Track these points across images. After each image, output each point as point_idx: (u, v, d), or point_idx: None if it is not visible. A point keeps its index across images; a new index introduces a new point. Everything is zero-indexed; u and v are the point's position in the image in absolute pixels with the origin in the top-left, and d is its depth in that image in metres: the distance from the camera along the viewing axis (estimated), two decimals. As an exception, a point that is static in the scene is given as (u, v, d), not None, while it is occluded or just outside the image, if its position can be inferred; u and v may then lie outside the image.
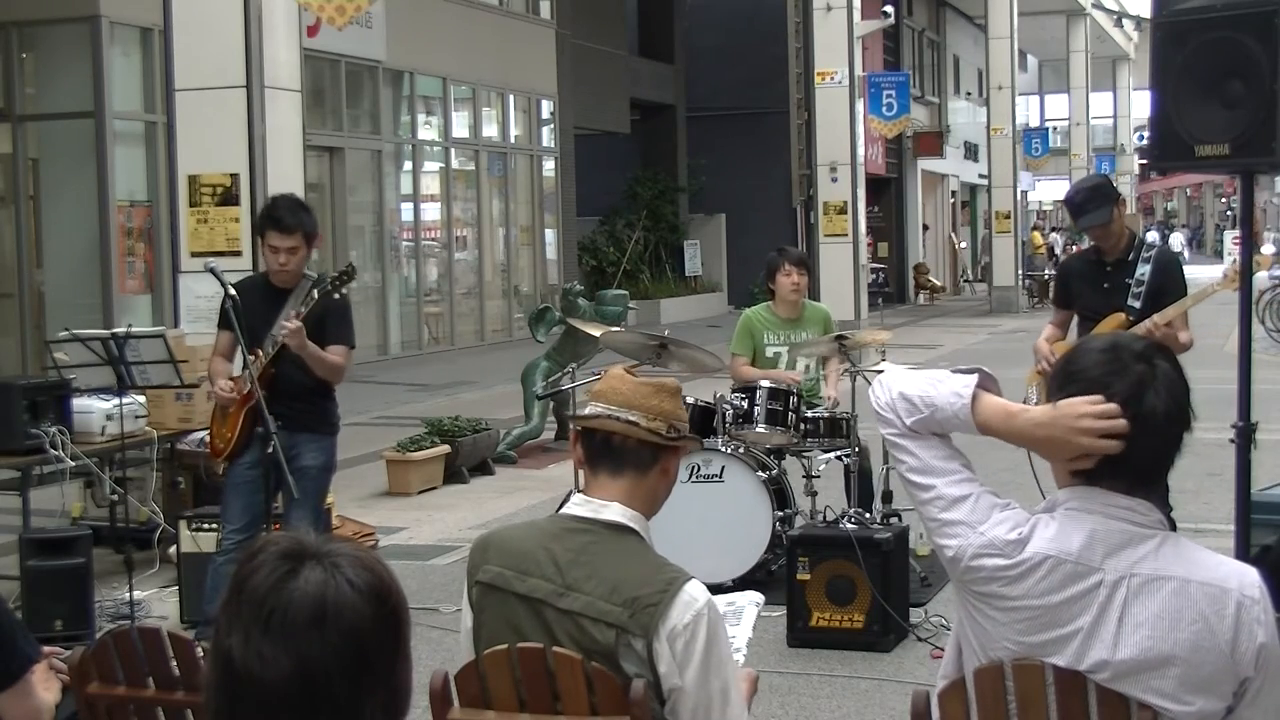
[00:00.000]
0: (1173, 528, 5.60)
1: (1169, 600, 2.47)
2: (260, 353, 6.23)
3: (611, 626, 2.88)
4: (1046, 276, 31.23)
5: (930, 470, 2.62)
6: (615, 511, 3.01)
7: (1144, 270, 6.64)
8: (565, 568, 2.95)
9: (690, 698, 2.86)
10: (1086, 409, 2.50)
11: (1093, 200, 6.74)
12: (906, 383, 2.66)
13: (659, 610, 2.86)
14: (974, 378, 2.62)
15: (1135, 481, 2.55)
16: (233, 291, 6.24)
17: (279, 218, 6.28)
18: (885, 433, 2.69)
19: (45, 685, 3.03)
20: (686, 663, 2.86)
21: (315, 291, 6.18)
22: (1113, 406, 2.49)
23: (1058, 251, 40.20)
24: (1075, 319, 6.96)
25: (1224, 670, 2.46)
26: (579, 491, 3.15)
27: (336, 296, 6.31)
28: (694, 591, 2.90)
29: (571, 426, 3.24)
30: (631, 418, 3.01)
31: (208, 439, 6.85)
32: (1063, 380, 2.58)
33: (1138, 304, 6.60)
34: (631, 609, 2.87)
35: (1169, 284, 6.62)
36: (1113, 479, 2.54)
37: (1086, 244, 7.12)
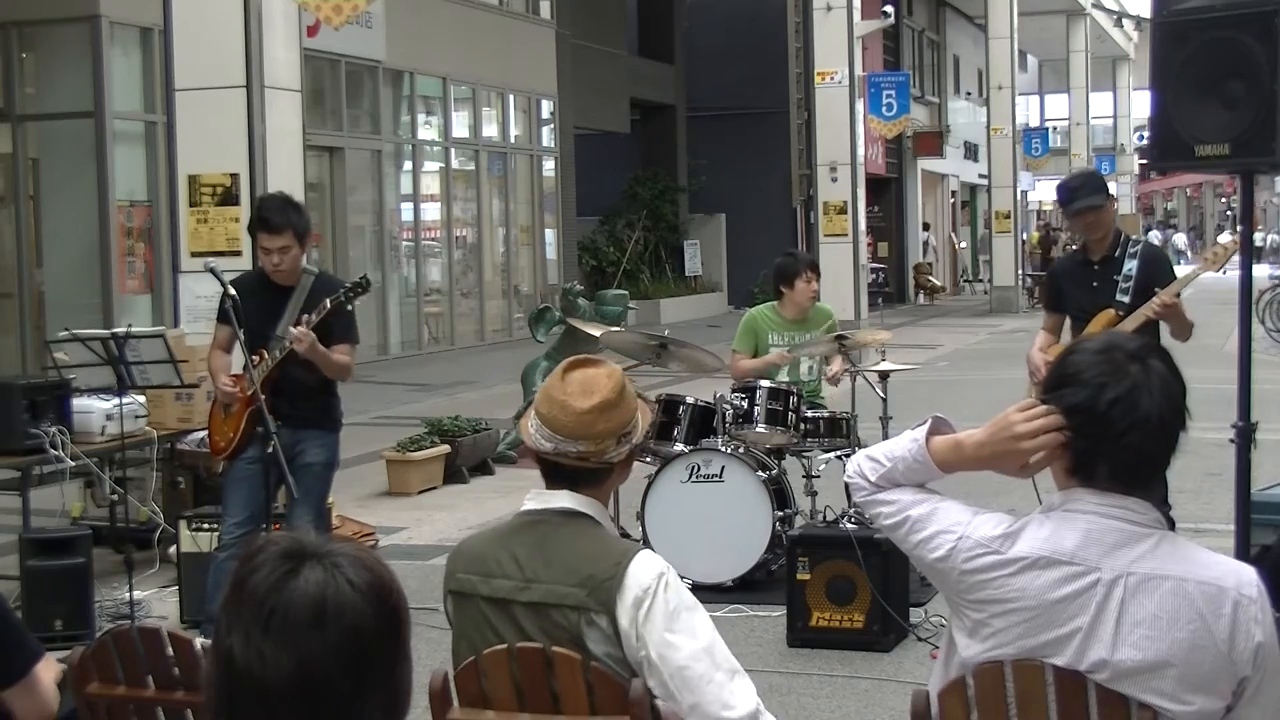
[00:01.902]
0: (1171, 526, 5.60)
1: (1166, 599, 2.47)
2: (265, 354, 6.24)
3: (573, 609, 2.91)
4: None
5: (901, 508, 2.68)
6: (566, 499, 3.05)
7: (1131, 265, 6.64)
8: (525, 562, 2.99)
9: (661, 665, 2.86)
10: (1016, 416, 2.58)
11: (1086, 186, 6.78)
12: (871, 449, 2.77)
13: (615, 582, 2.89)
14: (927, 424, 2.71)
15: (1132, 482, 2.55)
16: (232, 292, 6.24)
17: (267, 218, 6.28)
18: (857, 498, 2.77)
19: (49, 676, 3.06)
20: (648, 629, 2.87)
21: (329, 302, 6.17)
22: (1041, 407, 2.56)
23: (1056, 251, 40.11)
24: (1068, 321, 6.95)
25: (1222, 669, 2.46)
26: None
27: (349, 308, 6.31)
28: (648, 559, 2.94)
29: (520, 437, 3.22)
30: (580, 448, 3.01)
31: (207, 435, 6.86)
32: (1057, 382, 2.59)
33: (1127, 299, 6.59)
34: (588, 587, 2.90)
35: (1157, 277, 6.61)
36: (1109, 480, 2.54)
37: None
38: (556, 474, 3.06)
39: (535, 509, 3.07)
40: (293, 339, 6.12)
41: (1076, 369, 2.56)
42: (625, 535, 3.62)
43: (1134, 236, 6.97)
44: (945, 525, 2.61)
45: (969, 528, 2.59)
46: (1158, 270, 6.67)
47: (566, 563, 2.95)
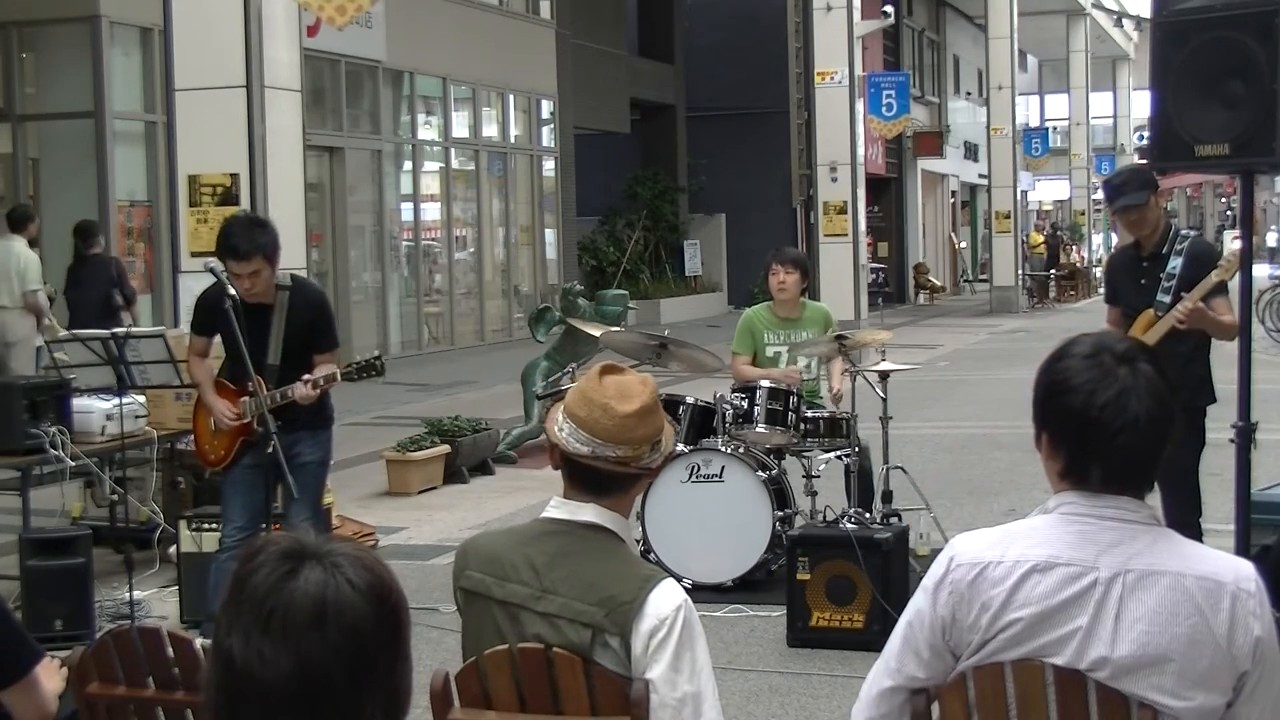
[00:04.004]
0: (1198, 533, 5.53)
1: (1165, 595, 2.48)
2: (264, 384, 6.24)
3: (587, 626, 2.88)
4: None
5: (893, 681, 2.68)
6: (591, 512, 3.00)
7: (1175, 263, 6.33)
8: (543, 571, 2.95)
9: (656, 697, 2.84)
10: None
11: (1130, 183, 6.47)
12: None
13: (634, 607, 2.86)
14: None
15: (1124, 483, 2.56)
16: (232, 291, 6.22)
17: (235, 246, 6.18)
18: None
19: (48, 678, 3.07)
20: (656, 660, 2.85)
21: (339, 374, 6.23)
22: None
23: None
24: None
25: (1221, 664, 2.46)
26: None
27: (355, 378, 6.36)
28: (670, 590, 2.91)
29: (547, 440, 3.14)
30: (620, 453, 2.95)
31: (194, 443, 6.88)
32: (1048, 391, 2.59)
33: (1167, 299, 6.29)
34: (607, 608, 2.88)
35: (1201, 276, 6.24)
36: (1102, 482, 2.54)
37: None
38: (586, 479, 2.99)
39: (559, 518, 3.01)
40: (300, 398, 6.20)
41: (1066, 375, 2.56)
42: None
43: (1184, 231, 6.61)
44: (921, 598, 2.61)
45: (958, 554, 2.59)
46: (1202, 269, 6.29)
47: (587, 580, 2.91)
